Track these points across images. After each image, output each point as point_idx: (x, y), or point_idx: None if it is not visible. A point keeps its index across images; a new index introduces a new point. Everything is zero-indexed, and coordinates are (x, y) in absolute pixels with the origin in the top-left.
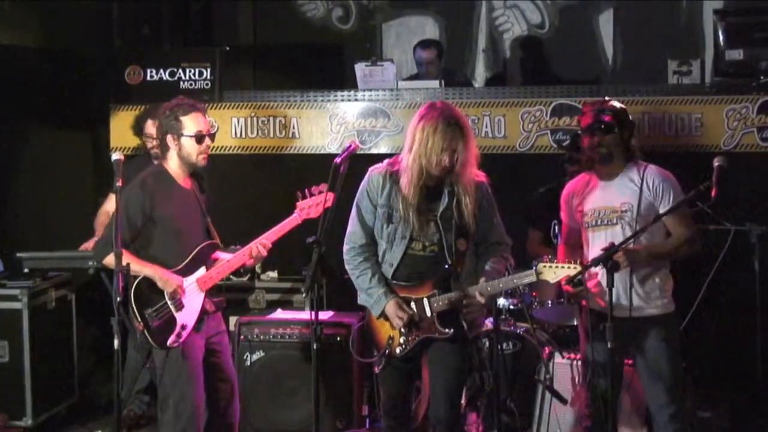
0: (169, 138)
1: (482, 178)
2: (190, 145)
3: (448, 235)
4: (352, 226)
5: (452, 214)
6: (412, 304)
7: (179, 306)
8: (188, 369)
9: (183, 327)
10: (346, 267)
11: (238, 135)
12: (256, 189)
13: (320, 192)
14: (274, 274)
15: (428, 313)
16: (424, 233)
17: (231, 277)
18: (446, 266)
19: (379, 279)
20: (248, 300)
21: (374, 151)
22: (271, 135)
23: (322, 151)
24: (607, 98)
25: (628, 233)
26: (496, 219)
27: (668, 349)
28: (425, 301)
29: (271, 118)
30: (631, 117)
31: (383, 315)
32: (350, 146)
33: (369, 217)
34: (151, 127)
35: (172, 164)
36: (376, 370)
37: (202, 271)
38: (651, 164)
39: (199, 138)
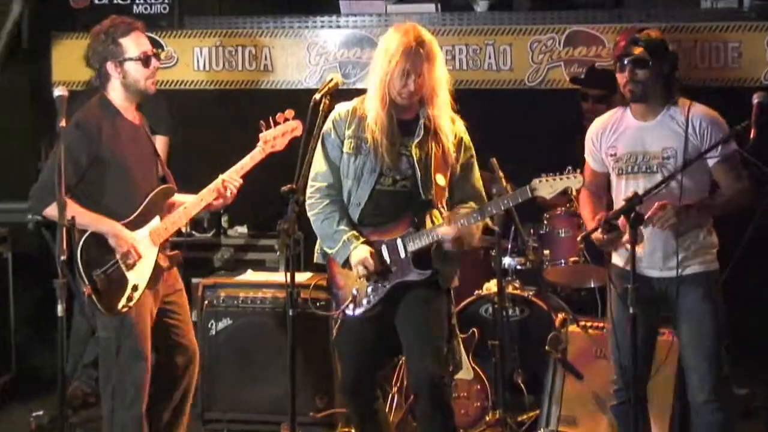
0: (110, 66)
1: (459, 119)
2: (135, 70)
3: (422, 169)
4: (317, 164)
5: (428, 148)
6: (383, 248)
7: (131, 264)
8: (134, 335)
9: (134, 288)
10: (309, 212)
11: (202, 68)
12: (223, 130)
13: (286, 120)
14: (243, 229)
15: (402, 254)
16: (396, 167)
17: (193, 232)
18: (423, 200)
19: (347, 223)
20: (213, 259)
21: (359, 86)
22: (240, 68)
23: (299, 86)
24: (643, 25)
25: (673, 185)
26: (474, 171)
27: (712, 311)
28: (398, 241)
29: (240, 48)
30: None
31: (348, 263)
32: (331, 80)
33: (336, 154)
34: None
35: (116, 95)
36: (332, 336)
37: (155, 221)
38: (696, 103)
39: (145, 60)
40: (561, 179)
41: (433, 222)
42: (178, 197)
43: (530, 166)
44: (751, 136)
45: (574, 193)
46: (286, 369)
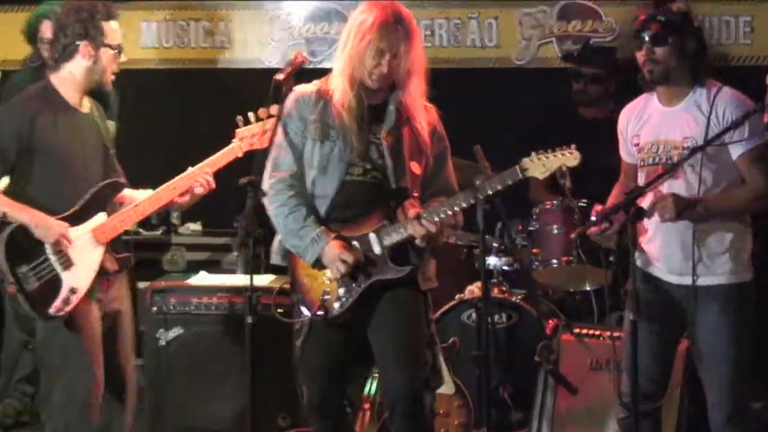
0: (85, 46)
1: (432, 107)
2: (108, 59)
3: (394, 157)
4: (278, 152)
5: (400, 136)
6: (354, 243)
7: (66, 263)
8: (81, 346)
9: (72, 290)
10: (270, 205)
11: (150, 44)
12: (175, 115)
13: (269, 116)
14: (196, 227)
15: (377, 249)
16: (366, 156)
17: (140, 230)
18: (396, 189)
19: (314, 217)
20: (162, 260)
21: (327, 64)
22: (193, 44)
23: (260, 65)
24: None
25: (691, 177)
26: (447, 164)
27: (732, 331)
28: (372, 236)
29: (193, 23)
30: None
31: (318, 263)
32: (296, 59)
33: (299, 141)
34: (49, 30)
35: (69, 79)
36: (296, 347)
37: (101, 217)
38: (726, 86)
39: (119, 52)
40: (555, 156)
41: (407, 213)
42: (130, 193)
43: (518, 154)
44: (766, 120)
45: (567, 184)
46: (245, 383)
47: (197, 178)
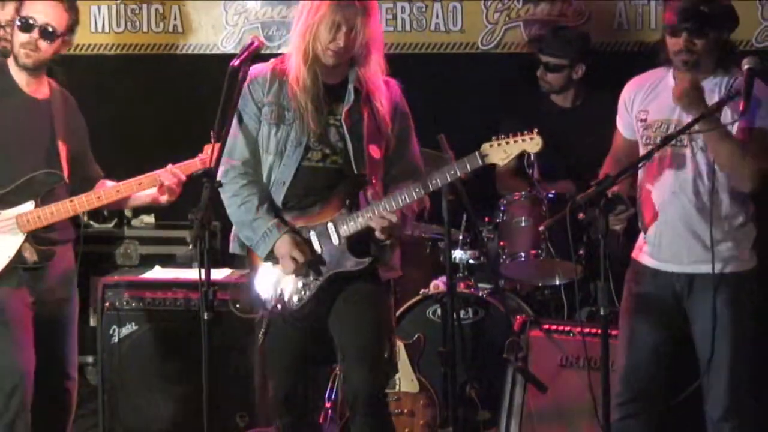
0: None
1: (393, 82)
2: (17, 34)
3: (355, 140)
4: (232, 138)
5: (360, 117)
6: (312, 236)
7: None
8: (7, 326)
9: None
10: (223, 195)
11: (101, 29)
12: (128, 102)
13: None
14: (150, 219)
15: (335, 240)
16: (324, 140)
17: (91, 222)
18: (356, 175)
19: (269, 208)
20: (115, 254)
21: (284, 49)
22: (145, 29)
23: (215, 51)
24: None
25: (700, 161)
26: (411, 143)
27: (736, 324)
28: (330, 226)
29: (145, 6)
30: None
31: (272, 256)
32: (252, 44)
33: (253, 125)
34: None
35: (13, 63)
36: (258, 341)
37: (28, 206)
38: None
39: (27, 26)
40: (516, 141)
41: (367, 201)
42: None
43: (484, 142)
44: (742, 107)
45: (535, 174)
46: (201, 382)
47: (170, 173)
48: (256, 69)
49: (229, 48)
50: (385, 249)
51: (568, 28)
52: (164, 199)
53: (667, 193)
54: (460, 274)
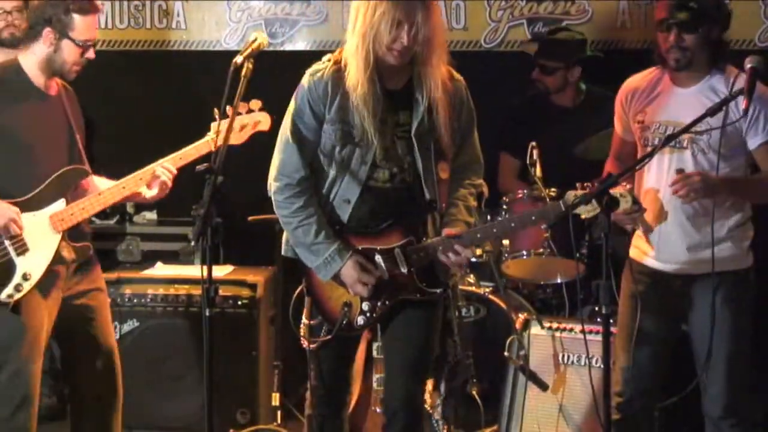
0: (48, 32)
1: (459, 78)
2: (70, 53)
3: (425, 159)
4: (285, 154)
5: (428, 128)
6: (378, 259)
7: (21, 248)
8: (28, 334)
9: (25, 277)
10: (278, 213)
11: (104, 26)
12: (131, 99)
13: (250, 111)
14: (152, 215)
15: (403, 268)
16: (391, 156)
17: (94, 219)
18: (426, 201)
19: (328, 231)
20: (117, 250)
21: (288, 47)
22: (148, 25)
23: (218, 47)
24: None
25: (702, 162)
26: (474, 134)
27: (734, 321)
28: (397, 252)
29: (148, 3)
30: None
31: (337, 279)
32: (255, 40)
33: (312, 139)
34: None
35: (31, 62)
36: (309, 346)
37: (60, 204)
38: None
39: (86, 49)
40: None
41: (435, 230)
42: (95, 181)
43: (488, 141)
44: (744, 106)
45: (537, 172)
46: (202, 378)
47: (158, 173)
48: (313, 77)
49: (232, 45)
50: (452, 279)
51: (565, 30)
52: (151, 195)
53: (667, 193)
54: (462, 272)
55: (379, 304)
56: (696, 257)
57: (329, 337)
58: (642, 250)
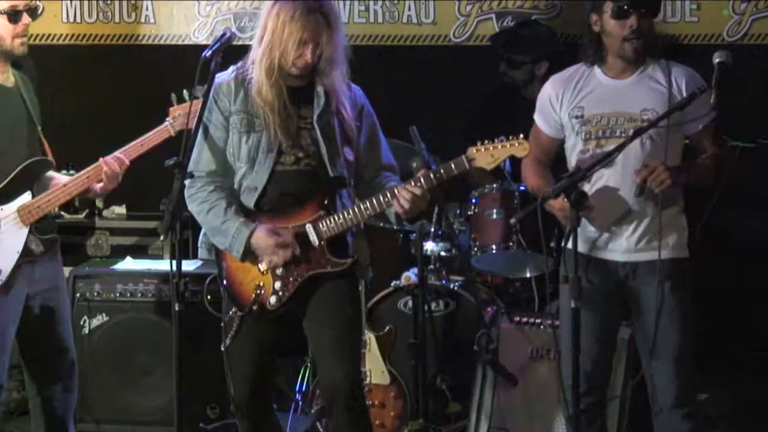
0: None
1: (355, 87)
2: (3, 26)
3: (328, 142)
4: (196, 151)
5: (331, 119)
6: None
7: None
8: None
9: None
10: (190, 206)
11: (72, 19)
12: (99, 92)
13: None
14: (121, 210)
15: (314, 241)
16: (297, 143)
17: (63, 213)
18: (333, 178)
19: (237, 210)
20: (86, 245)
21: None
22: (117, 19)
23: (187, 42)
24: None
25: (650, 150)
26: (381, 139)
27: (683, 305)
28: (308, 227)
29: None
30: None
31: (247, 255)
32: (224, 34)
33: (220, 135)
34: None
35: None
36: (225, 343)
37: (26, 197)
38: (673, 60)
39: (14, 16)
40: (504, 146)
41: (343, 204)
42: (54, 176)
43: (456, 135)
44: (713, 100)
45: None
46: (172, 373)
47: (110, 161)
48: (220, 78)
49: (201, 39)
50: (362, 249)
51: (533, 24)
52: (100, 186)
53: (613, 183)
54: (432, 266)
55: (291, 279)
56: (641, 245)
57: (240, 321)
58: (585, 241)
